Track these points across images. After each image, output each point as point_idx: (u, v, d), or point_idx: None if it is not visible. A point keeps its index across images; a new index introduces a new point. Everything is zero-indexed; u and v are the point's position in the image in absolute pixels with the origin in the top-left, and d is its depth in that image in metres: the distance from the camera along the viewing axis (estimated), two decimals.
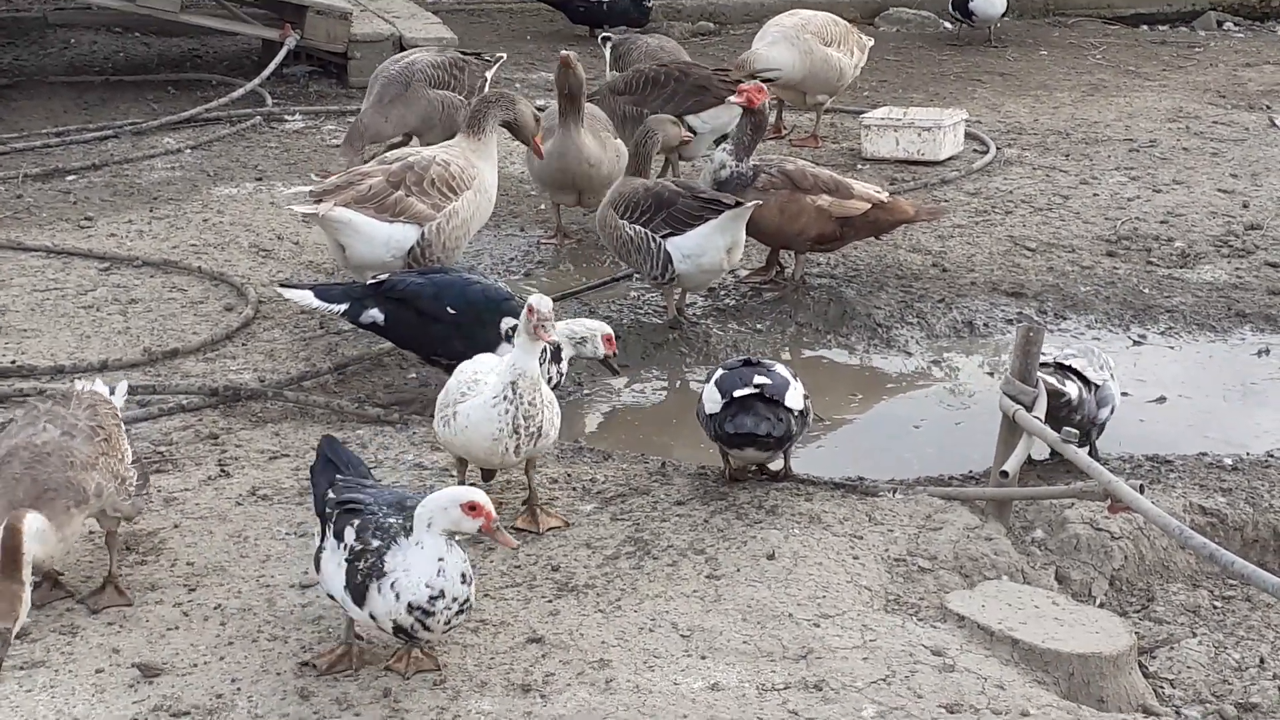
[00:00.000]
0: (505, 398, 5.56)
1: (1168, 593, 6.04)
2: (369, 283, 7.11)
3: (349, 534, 4.75)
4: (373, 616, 4.72)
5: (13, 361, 7.31)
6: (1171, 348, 8.29)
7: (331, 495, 4.94)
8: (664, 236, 7.75)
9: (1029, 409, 5.97)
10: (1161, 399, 7.66)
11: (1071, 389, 6.39)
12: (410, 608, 4.64)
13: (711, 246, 7.74)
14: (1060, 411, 6.28)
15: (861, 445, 7.21)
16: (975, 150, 11.49)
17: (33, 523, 4.66)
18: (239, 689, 4.80)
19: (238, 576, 5.46)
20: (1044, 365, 6.30)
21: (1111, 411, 6.66)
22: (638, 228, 7.81)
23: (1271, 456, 6.85)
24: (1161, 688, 5.42)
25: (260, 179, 10.50)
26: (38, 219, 9.57)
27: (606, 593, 5.39)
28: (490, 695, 4.78)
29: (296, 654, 4.98)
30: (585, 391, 7.48)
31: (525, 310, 5.50)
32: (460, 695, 4.78)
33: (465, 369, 5.88)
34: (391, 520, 4.74)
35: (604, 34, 12.07)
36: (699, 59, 11.75)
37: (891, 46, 15.31)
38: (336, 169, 9.30)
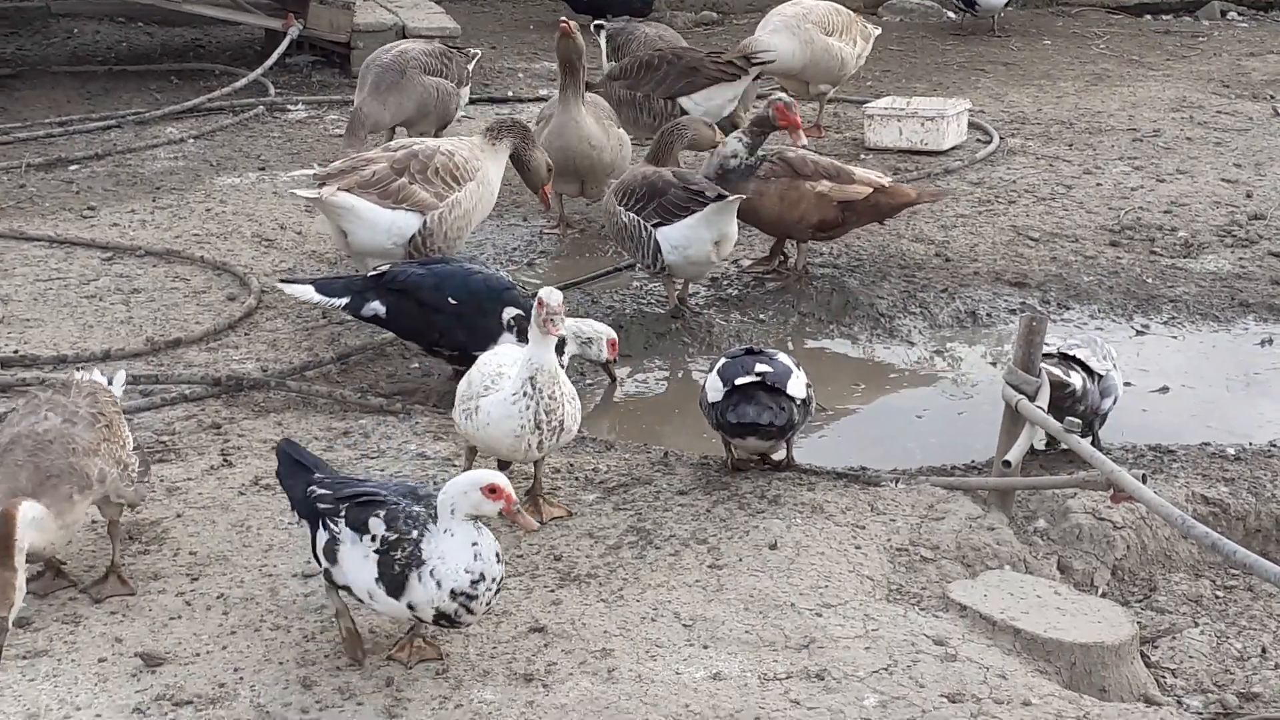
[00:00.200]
0: (525, 393, 5.55)
1: (1170, 582, 6.04)
2: (370, 275, 7.11)
3: (375, 525, 4.71)
4: (411, 606, 4.68)
5: (15, 351, 7.31)
6: (1175, 337, 8.29)
7: (323, 491, 4.89)
8: (654, 225, 7.76)
9: (1032, 399, 5.97)
10: (1164, 389, 7.65)
11: (1076, 379, 6.39)
12: (454, 594, 4.64)
13: (697, 239, 7.73)
14: (1064, 402, 6.28)
15: (864, 435, 7.20)
16: (979, 140, 11.48)
17: (28, 510, 4.66)
18: (241, 678, 4.81)
19: (240, 566, 5.46)
20: (1048, 355, 6.30)
21: (1114, 401, 6.65)
22: (632, 215, 7.83)
23: (1274, 446, 6.84)
24: (1163, 677, 5.43)
25: (263, 169, 10.50)
26: (40, 208, 9.57)
27: (609, 582, 5.39)
28: (493, 684, 4.79)
29: (299, 643, 4.99)
30: (588, 382, 7.47)
31: (535, 303, 5.50)
32: (463, 684, 4.79)
33: (489, 361, 5.85)
34: (417, 509, 4.74)
35: (598, 23, 12.06)
36: (702, 49, 11.72)
37: (895, 36, 15.30)
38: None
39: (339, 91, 12.67)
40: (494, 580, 4.69)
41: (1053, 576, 5.78)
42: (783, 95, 8.92)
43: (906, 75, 13.79)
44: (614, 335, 6.57)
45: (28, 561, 4.67)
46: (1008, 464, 5.90)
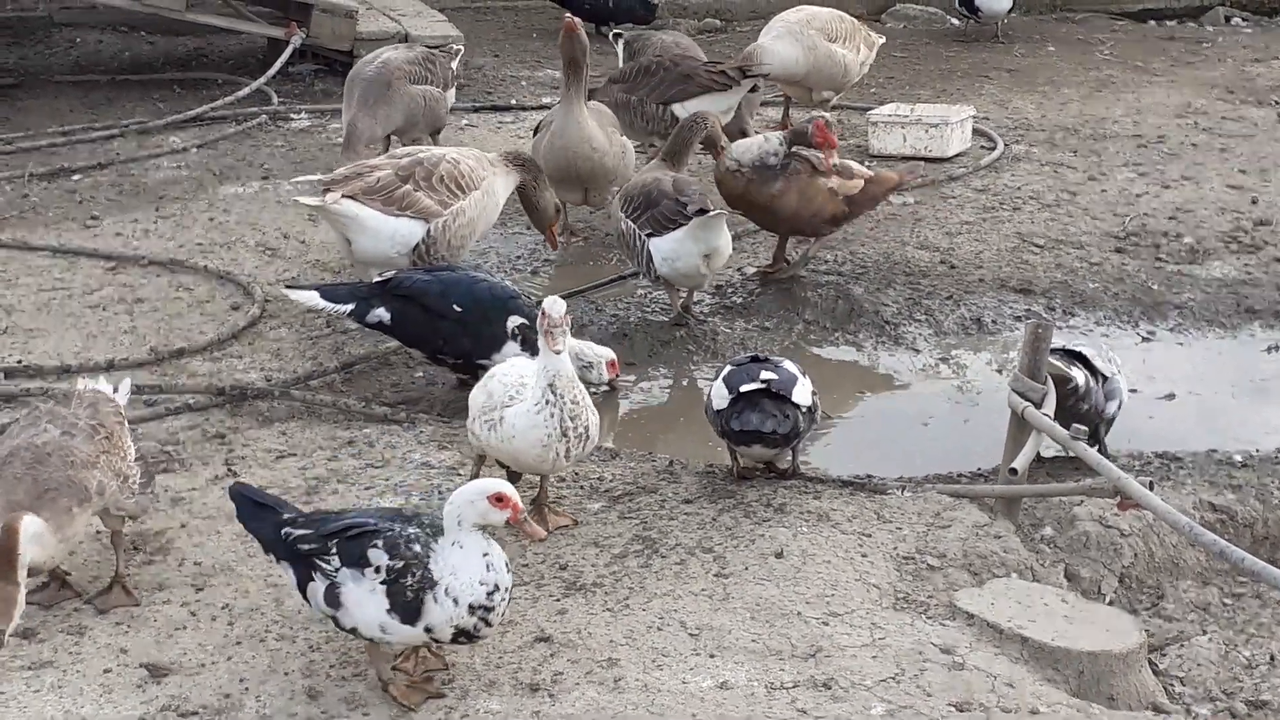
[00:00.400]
0: (546, 401, 5.53)
1: (1177, 590, 6.03)
2: (374, 281, 7.10)
3: (376, 556, 4.59)
4: (429, 629, 4.58)
5: (19, 361, 7.30)
6: (1181, 344, 8.28)
7: (302, 531, 4.76)
8: (647, 235, 7.77)
9: (1038, 406, 5.95)
10: (1171, 395, 7.64)
11: (1078, 375, 6.37)
12: (472, 609, 4.55)
13: (685, 252, 7.72)
14: (1067, 400, 6.25)
15: (869, 443, 7.19)
16: (983, 147, 11.47)
17: (30, 525, 4.65)
18: (247, 689, 4.79)
19: (245, 576, 5.45)
20: (1051, 350, 6.27)
21: (1119, 407, 6.64)
22: (629, 223, 7.84)
23: None
24: (1171, 685, 5.41)
25: (266, 178, 10.49)
26: (44, 218, 9.57)
27: (615, 591, 5.38)
28: (499, 694, 4.77)
29: (304, 653, 4.98)
30: (593, 391, 7.45)
31: (540, 313, 5.49)
32: (469, 694, 4.77)
33: (509, 371, 5.82)
34: (412, 530, 4.64)
35: (616, 30, 12.04)
36: (706, 58, 11.71)
37: (898, 43, 15.29)
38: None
39: (342, 100, 12.65)
40: (506, 590, 4.63)
41: (1060, 584, 5.77)
42: (826, 115, 8.94)
43: (910, 82, 13.78)
44: (613, 356, 6.53)
45: (28, 575, 4.66)
46: (1014, 471, 5.89)
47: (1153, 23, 17.26)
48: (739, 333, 8.08)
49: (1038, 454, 6.08)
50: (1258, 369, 8.03)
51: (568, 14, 9.06)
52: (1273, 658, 5.59)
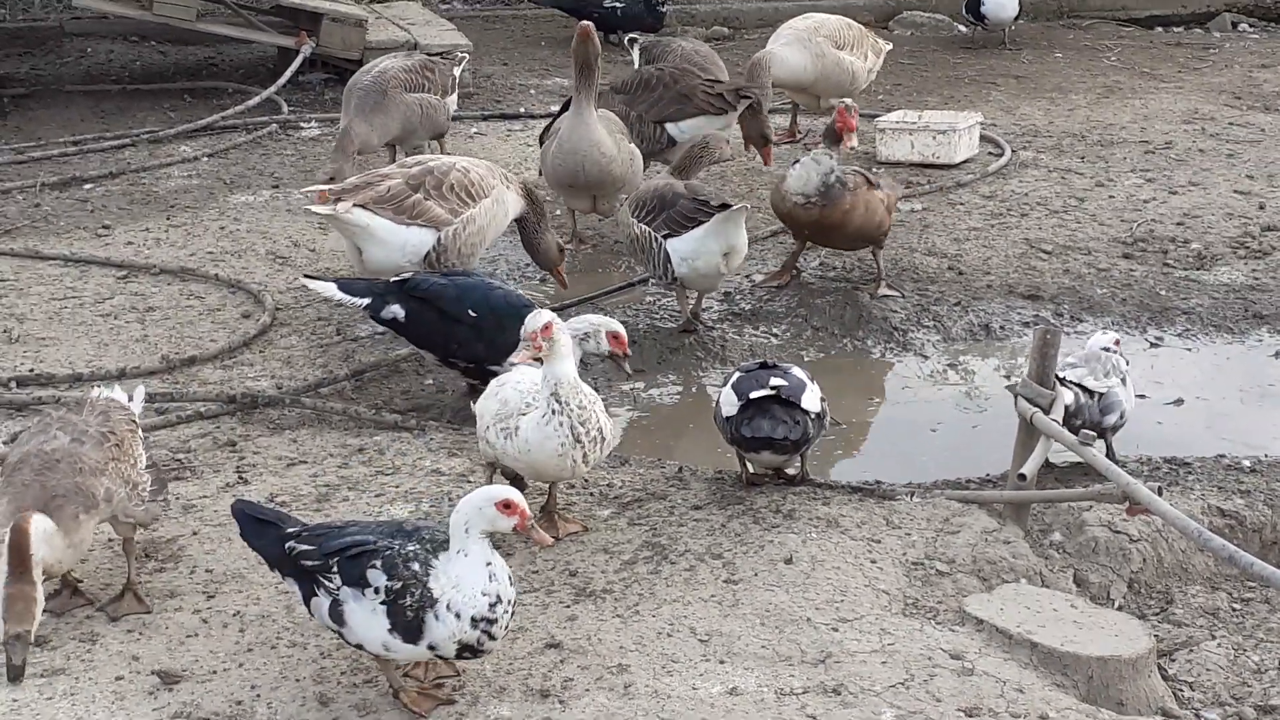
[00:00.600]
0: (553, 410, 5.55)
1: (1186, 595, 6.03)
2: (393, 280, 7.14)
3: (375, 576, 4.57)
4: (432, 646, 4.57)
5: (31, 369, 7.34)
6: (1189, 349, 8.28)
7: (305, 547, 4.75)
8: (664, 237, 7.78)
9: (1046, 412, 5.96)
10: (1179, 401, 7.64)
11: (1067, 394, 6.35)
12: (474, 622, 4.52)
13: (705, 250, 7.75)
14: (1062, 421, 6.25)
15: (878, 449, 7.20)
16: (990, 153, 11.48)
17: (39, 524, 4.68)
18: (258, 695, 4.81)
19: (256, 583, 5.47)
20: None
21: (1121, 417, 6.64)
22: (644, 227, 7.86)
23: None
24: (1181, 690, 5.41)
25: (277, 186, 10.52)
26: (55, 227, 9.61)
27: (624, 598, 5.39)
28: (509, 701, 4.79)
29: (315, 660, 4.99)
30: (601, 397, 7.47)
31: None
32: (479, 701, 4.79)
33: (521, 380, 5.82)
34: (411, 547, 4.61)
35: (631, 36, 12.03)
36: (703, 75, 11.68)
37: (906, 50, 15.30)
38: (323, 176, 9.27)
39: None
40: (509, 603, 4.60)
41: (1069, 589, 5.77)
42: (848, 101, 8.93)
43: (918, 89, 13.80)
44: (616, 327, 6.21)
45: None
46: (1023, 477, 5.89)
47: (1160, 29, 17.27)
48: (748, 339, 8.11)
49: (1046, 460, 6.08)
50: (1265, 374, 8.03)
51: (584, 21, 9.04)
52: None
